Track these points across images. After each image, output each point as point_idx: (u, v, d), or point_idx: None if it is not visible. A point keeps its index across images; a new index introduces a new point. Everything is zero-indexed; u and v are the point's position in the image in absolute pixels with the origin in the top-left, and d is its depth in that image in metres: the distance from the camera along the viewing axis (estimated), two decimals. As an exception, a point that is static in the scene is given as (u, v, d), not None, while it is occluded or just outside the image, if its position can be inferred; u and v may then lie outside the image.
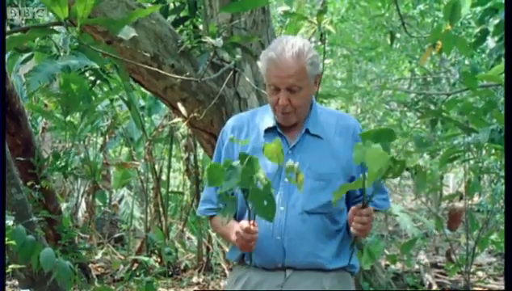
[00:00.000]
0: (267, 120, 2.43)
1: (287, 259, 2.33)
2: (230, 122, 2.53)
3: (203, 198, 2.52)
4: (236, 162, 2.06)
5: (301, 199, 2.32)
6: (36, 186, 5.04)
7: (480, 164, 4.53)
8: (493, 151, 4.51)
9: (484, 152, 4.80)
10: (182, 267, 7.26)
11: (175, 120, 6.07)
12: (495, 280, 6.54)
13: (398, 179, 9.93)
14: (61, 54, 5.30)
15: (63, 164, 6.55)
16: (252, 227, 2.18)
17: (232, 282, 2.49)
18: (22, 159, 5.40)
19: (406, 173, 10.32)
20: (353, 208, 2.25)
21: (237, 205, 2.16)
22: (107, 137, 7.94)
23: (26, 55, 5.49)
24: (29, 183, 5.10)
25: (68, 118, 6.98)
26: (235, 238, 2.25)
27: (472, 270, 5.48)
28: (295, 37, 2.39)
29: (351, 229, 2.24)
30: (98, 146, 8.41)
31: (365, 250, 2.22)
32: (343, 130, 2.42)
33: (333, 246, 2.37)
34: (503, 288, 5.92)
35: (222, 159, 2.41)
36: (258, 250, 2.31)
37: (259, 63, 2.39)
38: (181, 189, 8.96)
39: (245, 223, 2.20)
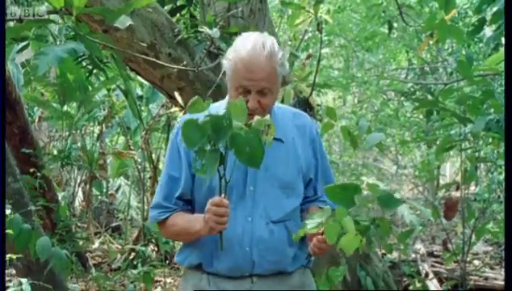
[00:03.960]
0: None
1: (255, 269, 2.30)
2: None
3: (152, 205, 2.38)
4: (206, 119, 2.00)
5: (268, 208, 2.29)
6: (38, 174, 5.03)
7: (476, 153, 4.53)
8: (490, 140, 4.51)
9: (480, 141, 4.81)
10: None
11: (172, 110, 6.07)
12: (491, 268, 6.56)
13: (395, 167, 9.95)
14: (58, 43, 5.28)
15: (65, 155, 6.57)
16: (224, 200, 2.09)
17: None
18: (19, 148, 5.40)
19: (403, 162, 10.35)
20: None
21: (218, 158, 2.02)
22: (103, 126, 7.94)
23: (22, 44, 5.48)
24: (30, 172, 5.11)
25: (64, 108, 6.98)
26: (203, 221, 2.14)
27: (468, 259, 5.50)
28: (261, 35, 2.27)
29: (309, 248, 2.22)
30: (95, 135, 8.40)
31: (324, 275, 2.22)
32: (300, 130, 2.38)
33: (295, 249, 2.38)
34: (499, 276, 5.95)
35: (184, 163, 2.30)
36: (225, 259, 2.26)
37: (224, 62, 2.25)
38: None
39: (215, 198, 2.10)
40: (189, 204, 2.36)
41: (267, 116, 2.08)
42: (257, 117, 2.06)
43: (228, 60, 2.23)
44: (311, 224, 2.02)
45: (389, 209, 2.00)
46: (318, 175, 2.43)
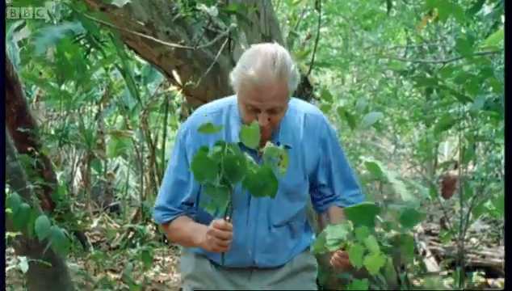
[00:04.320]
0: (235, 130, 2.22)
1: (256, 265, 2.34)
2: (194, 127, 2.23)
3: (157, 206, 2.34)
4: (216, 150, 1.95)
5: (271, 214, 2.28)
6: (36, 152, 5.02)
7: (475, 132, 4.54)
8: (488, 118, 4.51)
9: (479, 120, 4.81)
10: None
11: (170, 89, 6.06)
12: (488, 246, 6.60)
13: (393, 147, 9.95)
14: (55, 22, 5.25)
15: (63, 133, 6.56)
16: (229, 224, 2.05)
17: (192, 268, 2.41)
18: (17, 127, 5.40)
19: (402, 141, 10.34)
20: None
21: (229, 195, 1.99)
22: (101, 105, 7.92)
23: (19, 22, 5.44)
24: (28, 151, 5.10)
25: (62, 87, 6.96)
26: (205, 239, 2.11)
27: (465, 237, 5.52)
28: (271, 48, 2.12)
29: (331, 261, 2.20)
30: (93, 115, 8.39)
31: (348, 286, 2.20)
32: (309, 132, 2.30)
33: (297, 239, 2.41)
34: (496, 254, 5.98)
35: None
36: (226, 257, 2.21)
37: (232, 77, 2.14)
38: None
39: (219, 220, 2.06)
40: (193, 207, 2.34)
41: (280, 146, 2.04)
42: (269, 144, 2.02)
43: (236, 75, 2.12)
44: (331, 241, 1.98)
45: (410, 226, 1.97)
46: (332, 174, 2.36)
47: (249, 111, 2.12)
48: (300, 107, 2.33)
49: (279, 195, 2.19)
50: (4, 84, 4.31)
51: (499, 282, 5.59)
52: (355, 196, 2.39)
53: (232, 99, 2.27)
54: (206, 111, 2.29)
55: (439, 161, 9.61)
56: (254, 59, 2.08)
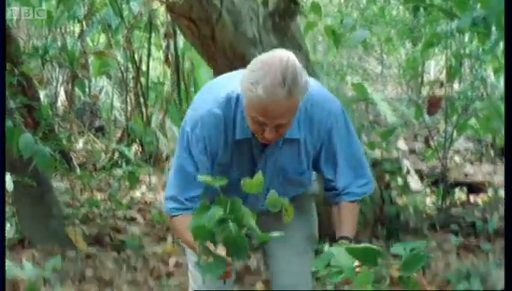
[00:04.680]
0: (240, 123, 2.16)
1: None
2: (203, 120, 2.18)
3: (167, 196, 2.28)
4: (218, 210, 1.87)
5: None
6: (16, 70, 4.93)
7: (461, 50, 4.51)
8: (475, 36, 4.48)
9: (466, 38, 4.78)
10: (164, 156, 7.32)
11: (154, 6, 5.94)
12: (471, 163, 6.70)
13: (380, 68, 9.94)
14: None
15: (44, 51, 6.46)
16: (229, 259, 1.96)
17: None
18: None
19: (388, 62, 10.30)
20: None
21: (226, 265, 1.92)
22: (84, 24, 7.77)
23: None
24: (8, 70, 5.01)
25: (43, 6, 6.81)
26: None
27: (449, 155, 5.58)
28: (282, 56, 1.98)
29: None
30: (76, 35, 8.25)
31: None
32: (314, 123, 2.21)
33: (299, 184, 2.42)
34: (478, 172, 6.09)
35: (200, 164, 2.19)
36: None
37: (239, 85, 2.03)
38: (161, 79, 8.88)
39: None
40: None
41: (286, 199, 1.98)
42: (272, 193, 1.97)
43: (243, 88, 2.00)
44: (334, 268, 1.94)
45: (413, 271, 1.94)
46: (338, 166, 2.29)
47: (255, 122, 2.04)
48: (308, 95, 2.12)
49: (282, 182, 2.23)
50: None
51: (480, 198, 5.69)
52: (363, 186, 2.34)
53: (235, 75, 2.17)
54: (216, 99, 2.19)
55: (425, 80, 9.62)
56: (263, 75, 1.94)
